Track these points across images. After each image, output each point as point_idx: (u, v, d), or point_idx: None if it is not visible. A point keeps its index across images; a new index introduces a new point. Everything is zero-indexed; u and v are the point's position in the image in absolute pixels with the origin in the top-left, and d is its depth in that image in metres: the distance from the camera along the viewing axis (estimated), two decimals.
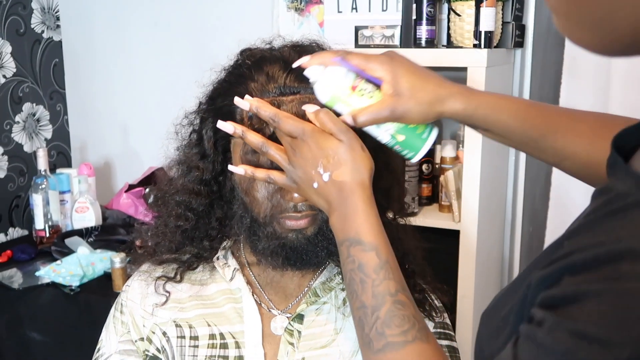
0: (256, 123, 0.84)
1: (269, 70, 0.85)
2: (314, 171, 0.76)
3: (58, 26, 2.52)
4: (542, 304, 0.48)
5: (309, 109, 0.79)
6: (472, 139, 1.62)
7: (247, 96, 0.82)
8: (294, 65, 0.82)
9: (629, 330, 0.41)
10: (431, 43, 1.68)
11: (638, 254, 0.43)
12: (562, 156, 0.80)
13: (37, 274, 1.87)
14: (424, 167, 1.83)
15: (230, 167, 0.85)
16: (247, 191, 0.87)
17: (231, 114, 0.86)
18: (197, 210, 0.93)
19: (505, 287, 0.63)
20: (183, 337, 0.91)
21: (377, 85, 0.79)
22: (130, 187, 2.27)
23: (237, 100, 0.82)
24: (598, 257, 0.45)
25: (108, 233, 2.12)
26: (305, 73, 0.81)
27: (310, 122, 0.79)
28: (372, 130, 0.80)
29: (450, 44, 1.75)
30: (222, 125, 0.83)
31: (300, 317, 0.91)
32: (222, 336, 0.90)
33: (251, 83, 0.85)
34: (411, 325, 0.69)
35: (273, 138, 0.82)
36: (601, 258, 0.45)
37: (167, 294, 0.94)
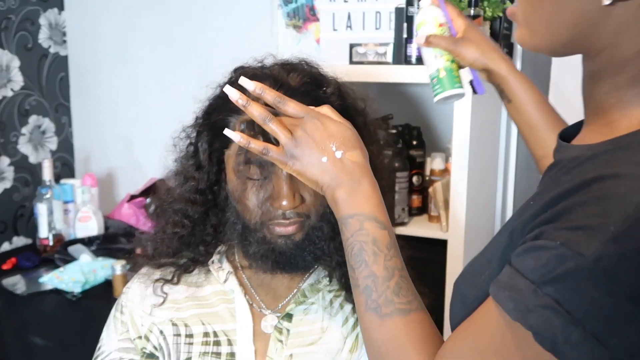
0: (247, 134, 0.89)
1: None
2: (324, 146, 0.79)
3: (64, 42, 2.61)
4: (537, 226, 0.61)
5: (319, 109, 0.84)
6: (460, 151, 1.68)
7: (251, 82, 0.83)
8: (240, 81, 0.84)
9: (609, 216, 0.55)
10: (421, 60, 1.75)
11: (603, 177, 0.58)
12: (547, 151, 0.96)
13: (40, 280, 1.93)
14: (414, 179, 1.90)
15: (226, 131, 0.84)
16: (239, 199, 0.94)
17: (224, 128, 0.92)
18: (193, 218, 1.00)
19: (471, 261, 0.77)
20: (179, 335, 0.97)
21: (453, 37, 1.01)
22: (132, 197, 2.34)
23: (242, 80, 0.83)
24: (570, 189, 0.59)
25: (110, 242, 2.18)
26: None
27: None
28: (429, 56, 1.01)
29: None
30: (228, 90, 0.83)
31: (289, 316, 0.98)
32: (215, 334, 0.96)
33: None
34: (414, 297, 0.76)
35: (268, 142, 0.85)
36: (573, 189, 0.59)
37: (165, 295, 1.00)
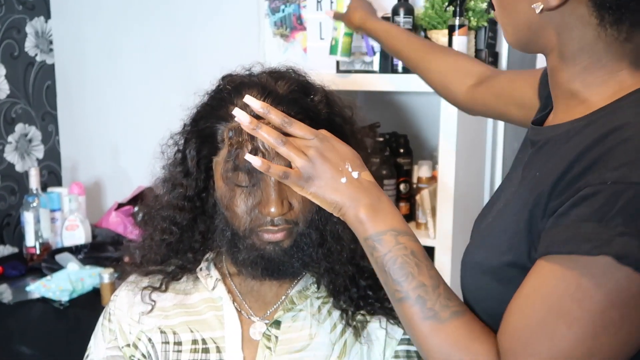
0: (235, 143, 0.90)
1: (247, 94, 0.93)
2: (342, 168, 0.81)
3: (51, 50, 2.60)
4: (570, 183, 0.68)
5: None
6: (447, 159, 1.70)
7: (257, 100, 0.83)
8: (245, 100, 0.84)
9: None
10: (407, 69, 1.76)
11: (617, 127, 0.68)
12: (444, 80, 1.30)
13: (27, 289, 1.92)
14: (402, 186, 1.91)
15: (248, 157, 0.82)
16: (227, 206, 0.94)
17: (212, 135, 0.93)
18: (181, 225, 1.00)
19: (471, 245, 0.88)
20: (167, 342, 0.97)
21: None
22: (120, 205, 2.33)
23: (248, 98, 0.82)
24: (593, 142, 0.68)
25: (97, 250, 2.18)
26: None
27: None
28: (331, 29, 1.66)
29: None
30: (237, 113, 0.82)
31: (277, 323, 0.98)
32: (204, 341, 0.97)
33: (231, 106, 0.92)
34: (458, 299, 0.80)
35: (255, 154, 0.86)
36: (595, 140, 0.68)
37: (153, 303, 1.00)
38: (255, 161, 0.81)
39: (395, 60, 1.77)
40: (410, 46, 1.37)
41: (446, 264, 1.72)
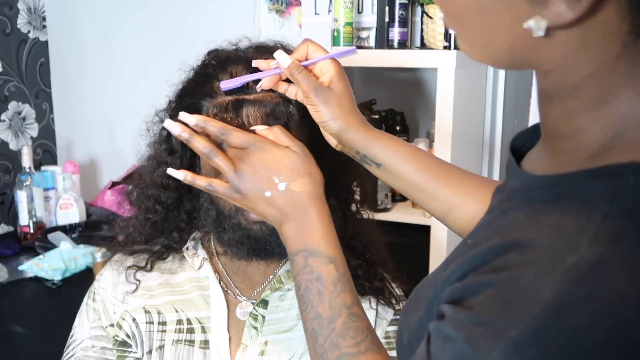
0: (220, 120, 0.88)
1: (233, 70, 0.90)
2: (267, 180, 0.77)
3: (44, 26, 2.56)
4: (448, 299, 0.53)
5: (259, 128, 0.82)
6: (444, 136, 1.67)
7: (191, 116, 0.82)
8: (253, 64, 0.86)
9: (514, 312, 0.46)
10: (403, 45, 1.73)
11: (522, 245, 0.49)
12: (450, 204, 0.83)
13: (19, 268, 1.91)
14: None
15: (169, 171, 0.84)
16: None
17: (198, 111, 0.90)
18: (166, 204, 0.98)
19: (424, 279, 0.69)
20: (152, 322, 0.95)
21: None
22: (114, 184, 2.31)
23: (182, 115, 0.82)
24: (491, 251, 0.51)
25: (92, 229, 2.16)
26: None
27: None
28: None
29: (423, 46, 1.81)
30: (168, 124, 0.82)
31: (264, 303, 0.96)
32: (189, 321, 0.95)
33: (216, 82, 0.90)
34: (364, 336, 0.70)
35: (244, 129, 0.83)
36: (493, 251, 0.51)
37: (138, 282, 0.99)
38: (179, 174, 0.82)
39: (392, 35, 1.73)
40: (424, 168, 0.86)
41: (442, 244, 1.70)
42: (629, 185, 0.47)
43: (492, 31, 0.53)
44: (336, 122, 0.81)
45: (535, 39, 0.50)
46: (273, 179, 0.77)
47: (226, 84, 0.86)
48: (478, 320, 0.48)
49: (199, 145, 0.80)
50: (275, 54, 0.82)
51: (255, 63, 0.85)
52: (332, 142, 0.86)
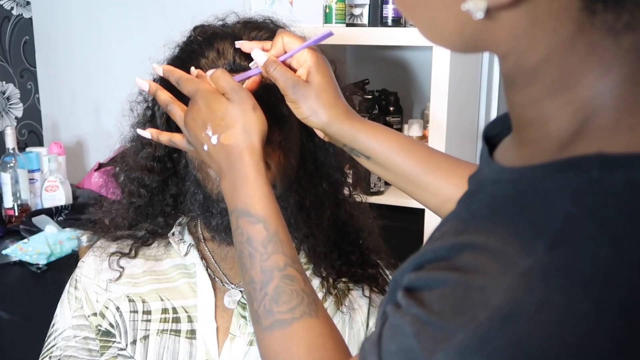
0: None
1: (219, 46, 0.86)
2: (203, 133, 0.73)
3: (28, 3, 2.49)
4: (404, 287, 0.50)
5: (208, 73, 0.78)
6: (438, 117, 1.63)
7: (160, 65, 0.84)
8: (236, 45, 0.82)
9: (461, 316, 0.43)
10: (397, 22, 1.68)
11: (476, 245, 0.45)
12: (443, 196, 0.79)
13: (3, 252, 1.86)
14: None
15: (138, 131, 0.85)
16: (199, 167, 0.88)
17: None
18: (151, 187, 0.94)
19: None
20: (136, 311, 0.91)
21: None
22: (101, 165, 2.26)
23: (154, 66, 0.83)
24: (447, 248, 0.47)
25: (78, 212, 2.11)
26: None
27: None
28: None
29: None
30: (139, 82, 0.84)
31: None
32: (174, 310, 0.91)
33: (202, 59, 0.85)
34: (299, 300, 0.66)
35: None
36: (449, 248, 0.47)
37: (121, 270, 0.94)
38: (145, 133, 0.83)
39: (385, 12, 1.68)
40: (415, 158, 0.82)
41: None
42: (592, 180, 0.42)
43: (436, 14, 0.49)
44: (317, 117, 0.77)
45: (480, 21, 0.46)
46: (206, 132, 0.73)
47: None
48: (428, 318, 0.45)
49: (162, 96, 0.80)
50: (252, 53, 0.78)
51: (238, 44, 0.81)
52: (320, 135, 0.82)
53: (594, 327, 0.39)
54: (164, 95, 0.80)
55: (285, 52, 0.79)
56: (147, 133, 0.83)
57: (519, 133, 0.51)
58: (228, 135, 0.72)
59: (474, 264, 0.44)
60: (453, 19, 0.48)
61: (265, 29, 0.89)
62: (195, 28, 0.92)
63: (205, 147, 0.74)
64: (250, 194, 0.71)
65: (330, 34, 0.80)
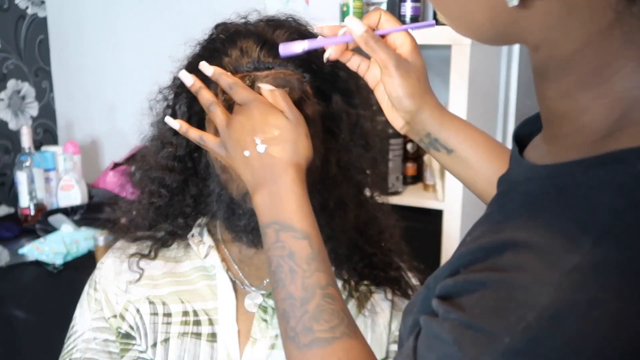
0: (230, 99, 0.83)
1: (243, 44, 0.84)
2: (250, 139, 0.72)
3: (43, 2, 2.49)
4: (439, 295, 0.48)
5: (265, 87, 0.76)
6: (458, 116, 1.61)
7: (210, 67, 0.79)
8: (316, 29, 0.79)
9: (507, 318, 0.41)
10: (416, 20, 1.66)
11: (517, 244, 0.43)
12: None
13: (20, 251, 1.86)
14: (409, 146, 1.83)
15: (167, 119, 0.83)
16: (223, 168, 0.86)
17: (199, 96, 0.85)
18: (171, 187, 0.92)
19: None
20: (156, 314, 0.90)
21: None
22: (116, 165, 2.26)
23: (202, 64, 0.79)
24: (485, 249, 0.46)
25: (94, 211, 2.11)
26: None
27: None
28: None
29: (436, 22, 1.73)
30: (183, 75, 0.80)
31: None
32: (195, 313, 0.90)
33: (225, 58, 0.84)
34: (340, 320, 0.65)
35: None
36: (487, 249, 0.45)
37: (141, 271, 0.93)
38: (174, 124, 0.80)
39: (404, 10, 1.66)
40: (494, 157, 0.80)
41: (455, 229, 1.64)
42: (637, 174, 0.41)
43: (467, 3, 0.48)
44: (412, 99, 0.75)
45: (514, 10, 0.45)
46: (255, 139, 0.72)
47: (285, 50, 0.78)
48: (469, 323, 0.44)
49: (206, 95, 0.78)
50: (346, 20, 0.74)
51: (318, 29, 0.78)
52: (398, 123, 0.79)
53: None
54: (208, 95, 0.78)
55: (378, 29, 0.75)
56: (177, 124, 0.80)
57: (550, 128, 0.50)
58: (278, 149, 0.71)
59: (515, 263, 0.43)
60: (485, 7, 0.47)
61: (289, 27, 0.88)
62: (217, 26, 0.91)
63: (247, 153, 0.72)
64: (297, 209, 0.69)
65: (433, 24, 0.78)
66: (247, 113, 0.74)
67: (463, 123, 0.78)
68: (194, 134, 0.79)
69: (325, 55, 0.77)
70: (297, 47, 0.77)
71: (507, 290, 0.42)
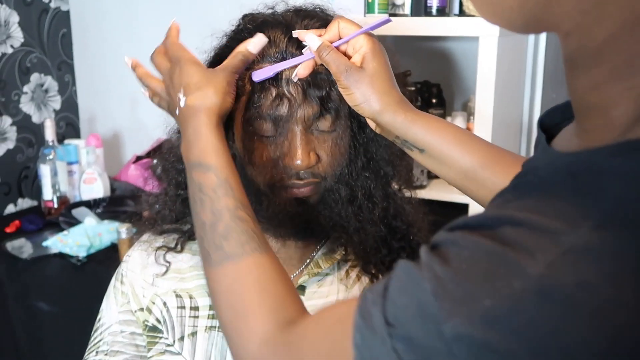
0: (257, 90, 0.82)
1: (271, 34, 0.83)
2: (174, 96, 0.76)
3: None
4: (430, 245, 0.48)
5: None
6: (484, 110, 1.58)
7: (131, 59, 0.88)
8: (293, 34, 0.80)
9: (492, 282, 0.41)
10: (442, 12, 1.64)
11: (517, 222, 0.43)
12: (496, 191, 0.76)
13: (44, 244, 1.87)
14: None
15: (125, 58, 0.89)
16: (249, 159, 0.85)
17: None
18: None
19: None
20: (183, 307, 0.90)
21: None
22: (138, 158, 2.26)
23: (296, 32, 0.80)
24: (487, 218, 0.45)
25: (116, 204, 2.11)
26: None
27: None
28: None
29: (462, 13, 1.71)
30: (126, 60, 0.90)
31: (302, 289, 0.90)
32: None
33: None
34: (249, 238, 0.67)
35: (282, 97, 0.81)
36: (491, 219, 0.45)
37: (168, 264, 0.93)
38: (127, 62, 0.91)
39: (430, 2, 1.64)
40: (471, 151, 0.78)
41: None
42: None
43: None
44: (369, 104, 0.75)
45: None
46: (179, 95, 0.76)
47: (258, 75, 0.81)
48: (452, 277, 0.43)
49: (140, 71, 0.87)
50: (306, 37, 0.77)
51: (296, 34, 0.80)
52: (372, 125, 0.80)
53: (633, 319, 0.37)
54: (142, 70, 0.85)
55: (341, 38, 0.77)
56: (129, 61, 0.88)
57: (581, 121, 0.48)
58: (193, 97, 0.74)
59: (512, 237, 0.42)
60: None
61: (317, 18, 0.87)
62: (244, 16, 0.90)
63: (177, 112, 0.76)
64: (203, 147, 0.72)
65: (388, 21, 0.77)
66: (175, 71, 0.77)
67: (433, 121, 0.77)
68: (139, 71, 0.86)
69: (293, 75, 0.78)
70: (269, 71, 0.80)
71: (498, 258, 0.42)
